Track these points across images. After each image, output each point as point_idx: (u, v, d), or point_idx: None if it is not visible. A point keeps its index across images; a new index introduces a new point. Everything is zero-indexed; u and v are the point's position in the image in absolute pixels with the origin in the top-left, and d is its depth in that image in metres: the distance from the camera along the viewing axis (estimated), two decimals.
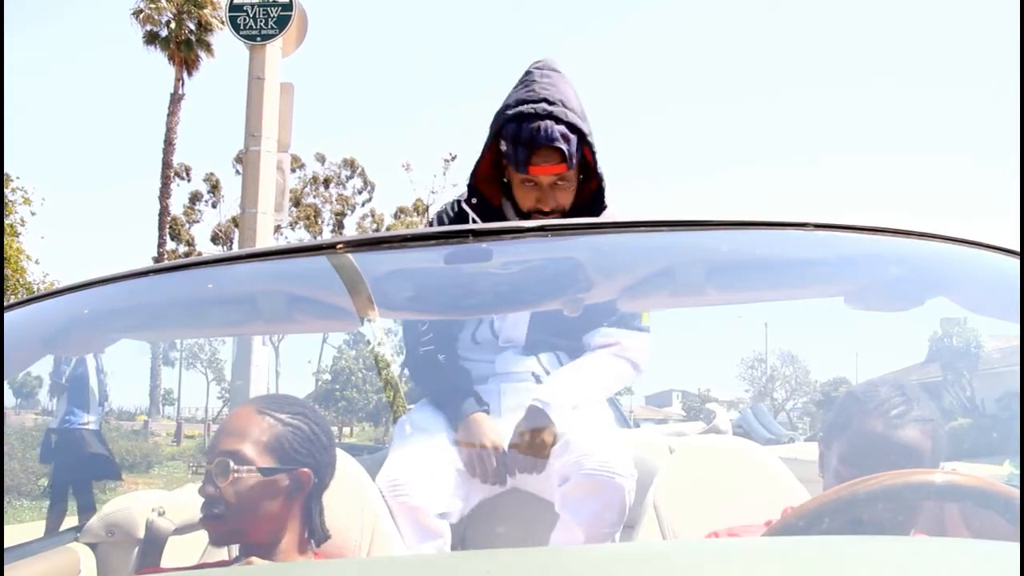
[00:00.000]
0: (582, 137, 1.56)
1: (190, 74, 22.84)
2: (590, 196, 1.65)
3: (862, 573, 0.65)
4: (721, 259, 1.35)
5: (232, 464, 1.08)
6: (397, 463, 1.46)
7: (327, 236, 24.13)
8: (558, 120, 1.54)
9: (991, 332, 1.49)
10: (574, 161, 1.56)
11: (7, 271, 16.15)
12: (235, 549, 1.16)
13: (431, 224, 1.87)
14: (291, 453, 1.12)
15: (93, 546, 1.42)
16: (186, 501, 1.47)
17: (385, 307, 1.42)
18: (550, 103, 1.55)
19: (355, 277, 1.30)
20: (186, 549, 1.37)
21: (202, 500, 1.09)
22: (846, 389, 1.27)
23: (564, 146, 1.53)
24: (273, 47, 7.05)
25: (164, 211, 23.17)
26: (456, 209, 1.73)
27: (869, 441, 1.08)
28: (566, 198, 1.61)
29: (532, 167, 1.55)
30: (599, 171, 1.63)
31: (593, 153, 1.61)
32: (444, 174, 23.93)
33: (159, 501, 1.46)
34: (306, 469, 1.12)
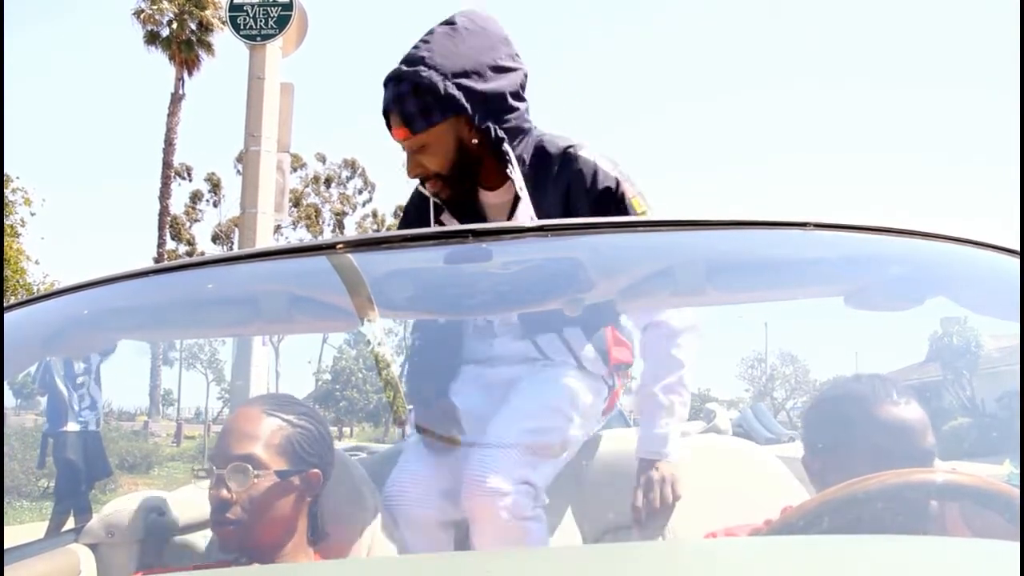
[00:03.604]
0: (441, 97, 1.47)
1: (191, 74, 22.84)
2: (494, 168, 1.57)
3: (862, 573, 0.65)
4: (721, 259, 1.35)
5: (251, 469, 1.06)
6: (398, 472, 1.44)
7: (327, 236, 24.12)
8: (405, 79, 1.48)
9: (991, 332, 1.48)
10: (420, 124, 1.48)
11: (7, 272, 16.15)
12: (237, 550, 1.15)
13: (400, 214, 1.80)
14: (302, 455, 1.11)
15: (93, 547, 1.42)
16: (186, 501, 1.47)
17: (385, 307, 1.42)
18: (409, 63, 1.49)
19: (355, 277, 1.30)
20: (186, 549, 1.37)
21: (213, 505, 1.07)
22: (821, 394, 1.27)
23: (401, 109, 1.49)
24: (273, 47, 7.06)
25: (164, 211, 23.16)
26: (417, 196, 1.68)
27: (850, 421, 1.09)
28: (431, 162, 1.53)
29: (392, 132, 1.53)
30: (490, 133, 1.53)
31: (474, 114, 1.50)
32: None
33: (159, 501, 1.46)
34: (316, 470, 1.12)
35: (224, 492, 1.06)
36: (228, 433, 1.11)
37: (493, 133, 1.53)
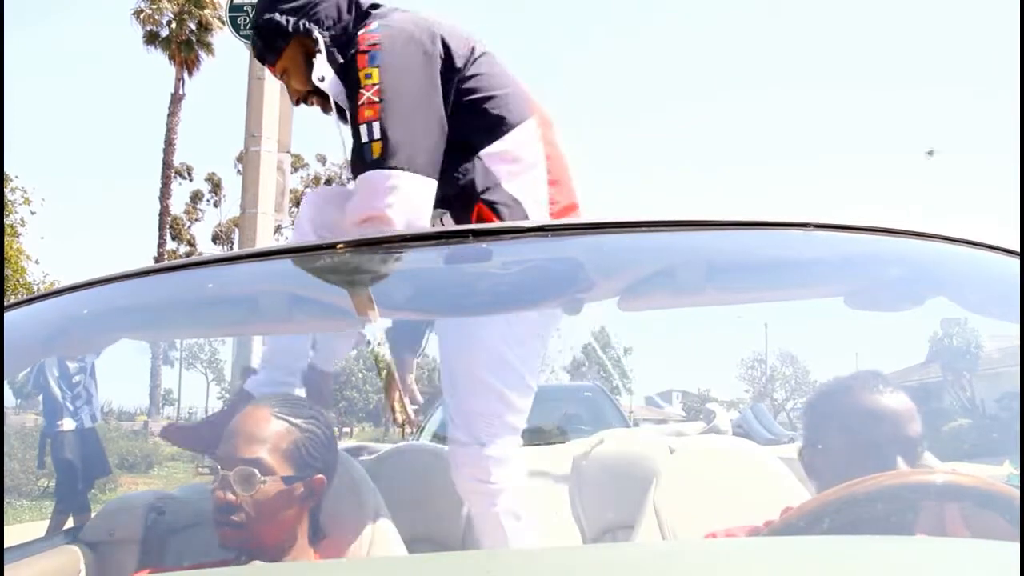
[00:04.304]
0: (268, 27, 1.65)
1: (191, 74, 22.83)
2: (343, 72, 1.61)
3: (862, 573, 0.65)
4: (721, 259, 1.35)
5: (258, 474, 1.05)
6: None
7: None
8: (252, 29, 1.73)
9: (991, 332, 1.48)
10: (270, 57, 1.68)
11: (7, 271, 16.15)
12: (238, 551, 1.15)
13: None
14: (308, 460, 1.11)
15: (93, 546, 1.42)
16: (186, 501, 1.47)
17: (385, 307, 1.42)
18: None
19: (355, 277, 1.30)
20: (186, 549, 1.37)
21: (216, 506, 1.06)
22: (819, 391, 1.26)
23: (256, 53, 1.71)
24: None
25: (164, 211, 23.15)
26: None
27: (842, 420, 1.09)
28: (296, 83, 1.68)
29: None
30: (311, 35, 1.62)
31: (294, 25, 1.62)
32: None
33: (159, 501, 1.46)
34: (321, 476, 1.12)
35: (228, 495, 1.05)
36: (236, 434, 1.10)
37: (304, 29, 1.63)
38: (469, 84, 1.56)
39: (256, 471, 1.05)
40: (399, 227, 1.44)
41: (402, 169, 1.45)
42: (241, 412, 1.14)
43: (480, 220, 1.53)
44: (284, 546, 1.09)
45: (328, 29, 1.61)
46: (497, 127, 1.57)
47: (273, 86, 7.04)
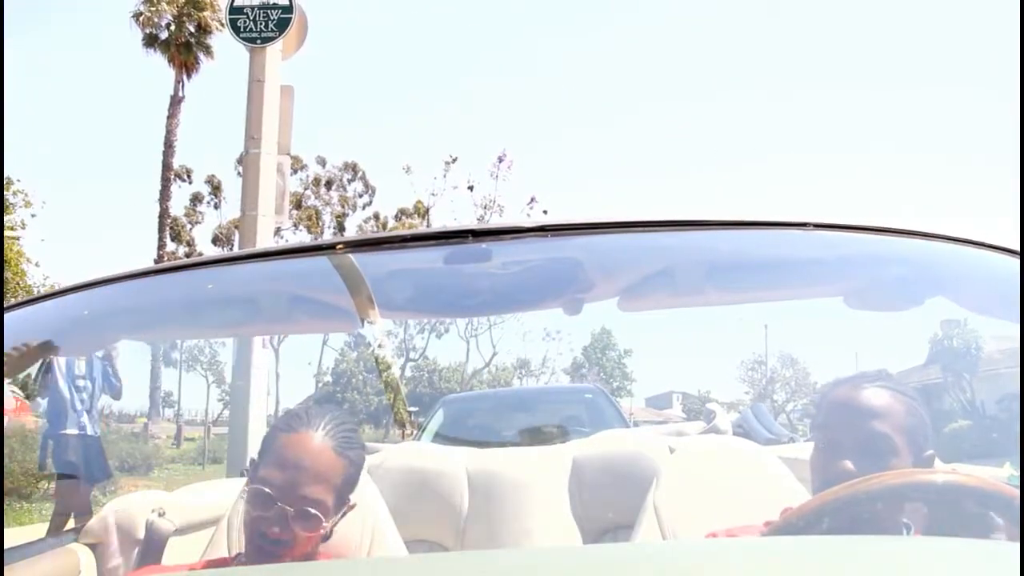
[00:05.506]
0: None
1: (190, 77, 22.81)
2: None
3: (862, 573, 0.65)
4: (721, 259, 1.35)
5: (321, 519, 1.04)
6: None
7: (328, 237, 24.09)
8: None
9: (991, 332, 1.48)
10: None
11: (7, 274, 16.14)
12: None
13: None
14: (350, 492, 1.12)
15: (93, 546, 1.42)
16: (186, 502, 1.47)
17: (385, 307, 1.42)
18: None
19: (355, 277, 1.30)
20: (186, 549, 1.37)
21: (264, 536, 1.04)
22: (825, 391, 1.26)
23: None
24: (273, 50, 7.07)
25: (164, 213, 23.14)
26: None
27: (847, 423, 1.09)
28: None
29: None
30: None
31: None
32: (444, 176, 23.89)
33: (159, 502, 1.46)
34: (354, 503, 1.13)
35: (285, 531, 1.03)
36: (297, 466, 1.07)
37: None
38: None
39: (320, 515, 1.05)
40: None
41: None
42: (303, 435, 1.09)
43: None
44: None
45: None
46: None
47: (273, 89, 7.06)
